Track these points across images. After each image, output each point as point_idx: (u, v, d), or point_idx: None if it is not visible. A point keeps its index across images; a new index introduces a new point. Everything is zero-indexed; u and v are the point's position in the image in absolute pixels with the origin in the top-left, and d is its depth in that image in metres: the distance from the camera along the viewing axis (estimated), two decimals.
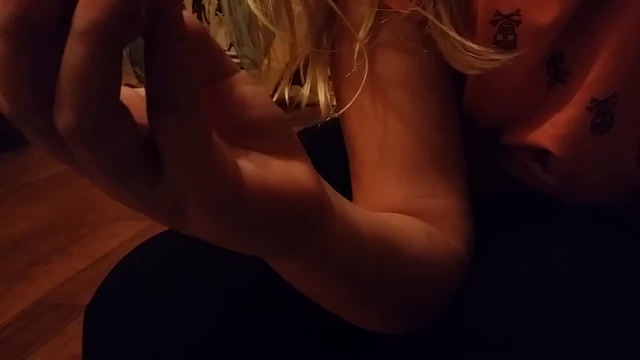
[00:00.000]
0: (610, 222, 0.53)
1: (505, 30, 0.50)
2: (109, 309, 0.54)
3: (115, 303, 0.54)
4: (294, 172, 0.33)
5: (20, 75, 0.26)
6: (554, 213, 0.54)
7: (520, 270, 0.48)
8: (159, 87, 0.27)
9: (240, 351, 0.53)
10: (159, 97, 0.27)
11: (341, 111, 0.53)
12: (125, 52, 0.29)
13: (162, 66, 0.27)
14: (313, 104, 0.56)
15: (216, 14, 3.26)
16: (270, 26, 0.53)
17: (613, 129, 0.52)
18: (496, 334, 0.46)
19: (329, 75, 0.55)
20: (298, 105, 0.57)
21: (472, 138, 0.56)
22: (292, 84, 0.59)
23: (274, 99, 0.54)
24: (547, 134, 0.53)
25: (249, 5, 0.53)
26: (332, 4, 0.51)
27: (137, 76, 2.89)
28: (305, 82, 0.55)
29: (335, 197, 0.37)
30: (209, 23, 3.28)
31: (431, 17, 0.49)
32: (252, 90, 0.32)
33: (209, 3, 3.26)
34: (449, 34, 0.49)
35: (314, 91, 0.55)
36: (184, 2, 3.26)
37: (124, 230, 1.72)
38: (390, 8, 0.50)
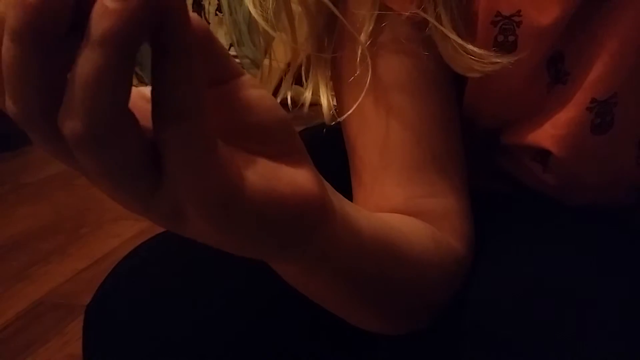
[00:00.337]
0: (610, 222, 0.53)
1: (506, 31, 0.50)
2: (109, 309, 0.54)
3: (115, 303, 0.54)
4: (296, 177, 0.33)
5: (28, 78, 0.26)
6: (554, 213, 0.55)
7: (520, 270, 0.48)
8: (165, 93, 0.27)
9: (240, 351, 0.53)
10: (165, 103, 0.27)
11: (344, 116, 0.53)
12: None
13: (169, 72, 0.27)
14: (314, 104, 0.56)
15: (216, 14, 3.26)
16: (270, 31, 0.53)
17: (613, 129, 0.52)
18: (496, 334, 0.46)
19: (330, 76, 0.55)
20: (299, 105, 0.57)
21: (472, 138, 0.56)
22: (294, 84, 0.59)
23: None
24: (548, 134, 0.53)
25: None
26: (333, 8, 0.50)
27: (137, 76, 2.90)
28: (306, 85, 0.55)
29: (337, 199, 0.37)
30: (209, 23, 3.28)
31: (432, 20, 0.49)
32: (257, 93, 0.32)
33: (209, 3, 3.26)
34: (449, 37, 0.49)
35: (314, 92, 0.55)
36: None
37: (124, 230, 1.71)
38: (391, 9, 0.50)
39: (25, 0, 0.25)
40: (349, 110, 0.52)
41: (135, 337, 0.52)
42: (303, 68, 0.56)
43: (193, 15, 0.28)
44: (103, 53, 0.25)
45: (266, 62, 0.61)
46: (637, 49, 0.49)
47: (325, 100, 0.54)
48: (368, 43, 0.51)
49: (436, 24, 0.49)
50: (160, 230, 0.53)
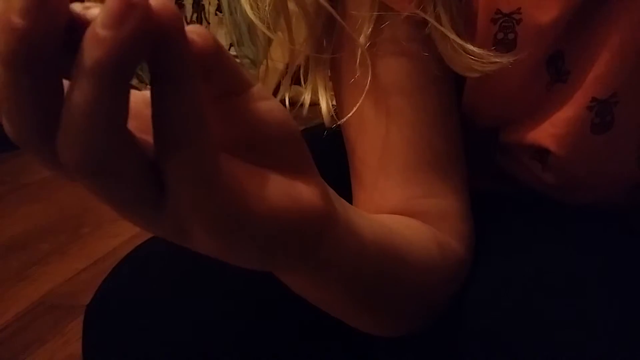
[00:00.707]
0: (610, 222, 0.53)
1: (505, 29, 0.50)
2: (109, 309, 0.54)
3: (115, 303, 0.54)
4: (302, 191, 0.32)
5: (22, 103, 0.25)
6: (554, 213, 0.54)
7: (520, 270, 0.48)
8: (164, 119, 0.26)
9: (240, 351, 0.53)
10: (164, 130, 0.26)
11: (344, 118, 0.53)
12: None
13: (168, 97, 0.26)
14: (314, 103, 0.56)
15: (216, 14, 3.26)
16: (267, 32, 0.52)
17: (613, 129, 0.52)
18: (496, 334, 0.46)
19: (329, 76, 0.55)
20: (298, 105, 0.57)
21: (471, 137, 0.56)
22: (293, 84, 0.58)
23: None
24: (547, 133, 0.53)
25: None
26: (331, 10, 0.50)
27: (137, 76, 2.90)
28: (305, 86, 0.55)
29: (341, 205, 0.37)
30: (209, 23, 3.28)
31: (431, 20, 0.49)
32: (268, 106, 0.31)
33: (209, 3, 3.26)
34: (449, 37, 0.49)
35: (314, 92, 0.55)
36: (184, 2, 3.26)
37: (124, 230, 1.71)
38: (390, 9, 0.50)
39: (12, 25, 0.23)
40: (349, 112, 0.52)
41: (135, 337, 0.52)
42: (302, 69, 0.56)
43: (198, 28, 0.27)
44: (96, 84, 0.24)
45: (267, 62, 0.61)
46: (638, 48, 0.49)
47: (324, 102, 0.54)
48: (367, 45, 0.50)
49: (435, 23, 0.49)
50: None
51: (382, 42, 0.51)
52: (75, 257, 1.65)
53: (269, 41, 0.56)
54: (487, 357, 0.46)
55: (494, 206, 0.56)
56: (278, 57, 0.58)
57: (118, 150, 0.26)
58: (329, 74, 0.55)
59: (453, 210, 0.52)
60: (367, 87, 0.51)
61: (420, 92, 0.52)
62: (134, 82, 0.27)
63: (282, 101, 0.55)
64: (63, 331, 1.34)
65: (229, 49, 3.21)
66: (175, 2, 3.27)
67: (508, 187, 0.59)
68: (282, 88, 0.56)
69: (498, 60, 0.48)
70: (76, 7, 0.25)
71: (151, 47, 0.25)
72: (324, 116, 0.54)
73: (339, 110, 0.55)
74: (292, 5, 0.53)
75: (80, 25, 0.24)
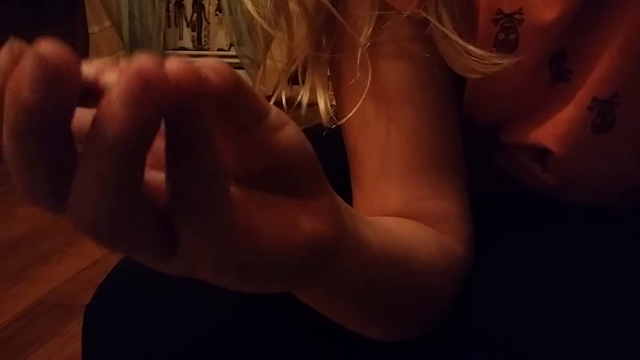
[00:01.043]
0: (610, 222, 0.53)
1: (507, 29, 0.50)
2: (109, 309, 0.54)
3: (115, 303, 0.54)
4: (314, 220, 0.32)
5: (33, 167, 0.24)
6: (555, 214, 0.54)
7: (520, 271, 0.48)
8: (178, 183, 0.25)
9: (240, 352, 0.53)
10: (177, 193, 0.25)
11: (344, 119, 0.52)
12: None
13: (183, 163, 0.25)
14: (313, 103, 0.56)
15: (216, 14, 3.26)
16: (268, 29, 0.52)
17: (614, 129, 0.52)
18: (497, 334, 0.46)
19: (328, 77, 0.55)
20: (295, 105, 0.57)
21: (472, 138, 0.56)
22: (292, 83, 0.58)
23: (272, 101, 0.54)
24: (548, 132, 0.53)
25: None
26: (332, 8, 0.50)
27: None
28: (303, 86, 0.55)
29: (349, 217, 0.36)
30: (209, 23, 3.28)
31: (432, 20, 0.49)
32: (286, 134, 0.30)
33: (209, 3, 3.26)
34: (450, 37, 0.49)
35: (312, 91, 0.55)
36: (184, 2, 3.26)
37: None
38: (392, 8, 0.50)
39: (22, 99, 0.22)
40: (348, 113, 0.52)
41: (134, 337, 0.52)
42: (300, 68, 0.55)
43: (215, 63, 0.26)
44: (110, 159, 0.23)
45: (267, 62, 0.60)
46: None
47: (323, 102, 0.54)
48: (368, 45, 0.50)
49: (437, 23, 0.49)
50: None
51: (382, 43, 0.51)
52: (75, 257, 1.66)
53: (269, 40, 0.56)
54: (488, 357, 0.46)
55: (494, 207, 0.55)
56: (277, 57, 0.58)
57: (130, 212, 0.25)
58: (328, 74, 0.54)
59: (454, 212, 0.52)
60: (367, 88, 0.50)
61: (421, 93, 0.52)
62: None
63: (279, 101, 0.55)
64: (63, 331, 1.34)
65: (229, 49, 3.21)
66: (176, 2, 3.27)
67: (507, 188, 0.59)
68: (279, 87, 0.56)
69: (500, 61, 0.48)
70: (89, 70, 0.24)
71: (170, 112, 0.24)
72: (322, 116, 0.54)
73: (338, 110, 0.54)
74: (292, 4, 0.53)
75: (93, 89, 0.24)
